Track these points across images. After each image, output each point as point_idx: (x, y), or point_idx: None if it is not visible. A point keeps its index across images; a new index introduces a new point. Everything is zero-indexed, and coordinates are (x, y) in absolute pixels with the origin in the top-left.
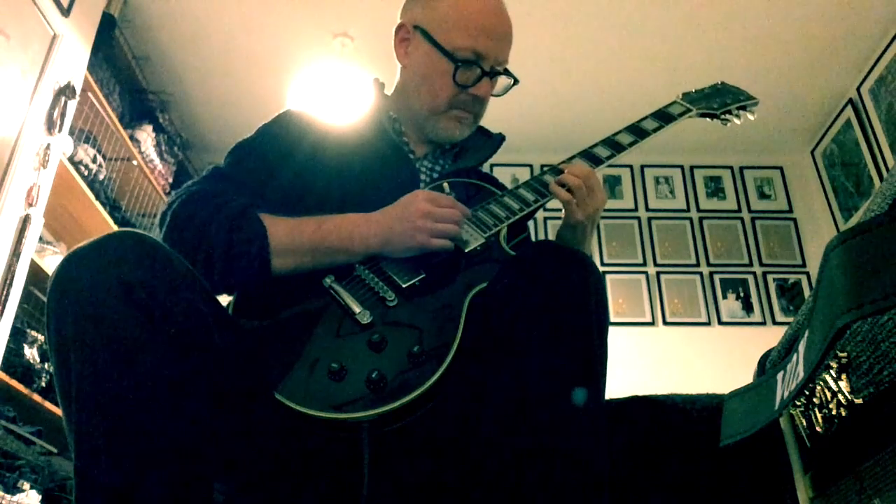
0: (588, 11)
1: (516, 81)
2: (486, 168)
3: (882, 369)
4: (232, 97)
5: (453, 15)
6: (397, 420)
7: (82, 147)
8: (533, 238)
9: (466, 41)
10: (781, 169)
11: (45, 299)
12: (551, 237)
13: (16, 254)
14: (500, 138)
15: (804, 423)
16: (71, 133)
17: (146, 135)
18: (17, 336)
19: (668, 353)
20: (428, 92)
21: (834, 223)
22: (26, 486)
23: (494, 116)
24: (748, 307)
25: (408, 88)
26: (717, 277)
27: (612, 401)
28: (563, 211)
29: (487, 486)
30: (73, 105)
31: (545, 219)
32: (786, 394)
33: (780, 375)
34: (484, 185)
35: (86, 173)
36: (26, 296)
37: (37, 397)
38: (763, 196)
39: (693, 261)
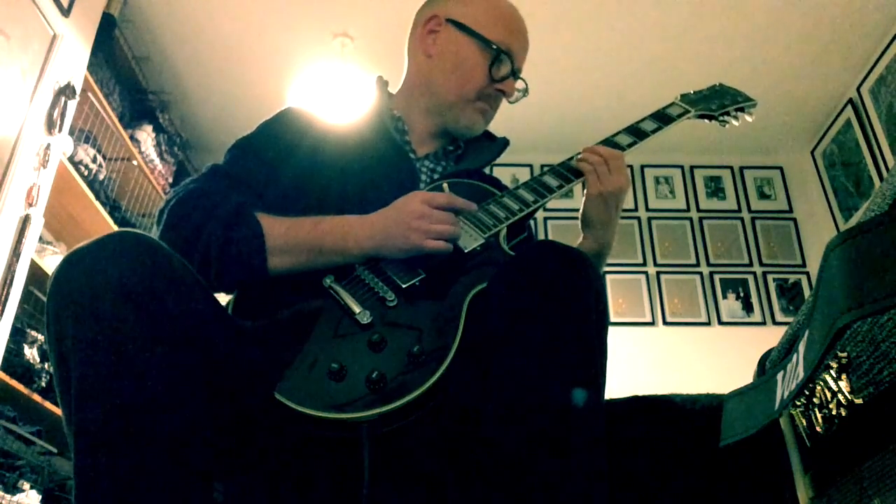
0: (588, 12)
1: (527, 92)
2: (486, 169)
3: (882, 369)
4: (232, 97)
5: (492, 12)
6: (397, 420)
7: (82, 147)
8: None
9: (505, 37)
10: (781, 169)
11: (45, 299)
12: (551, 237)
13: (16, 254)
14: (503, 142)
15: (804, 423)
16: (71, 133)
17: (146, 135)
18: (17, 336)
19: (668, 353)
20: (460, 78)
21: (834, 223)
22: (26, 486)
23: (495, 116)
24: (748, 307)
25: (433, 77)
26: (717, 277)
27: (612, 401)
28: (584, 187)
29: (487, 485)
30: (73, 105)
31: (545, 219)
32: (786, 394)
33: (780, 375)
34: (484, 185)
35: (86, 173)
36: (26, 296)
37: (37, 397)
38: (763, 196)
39: (693, 261)
